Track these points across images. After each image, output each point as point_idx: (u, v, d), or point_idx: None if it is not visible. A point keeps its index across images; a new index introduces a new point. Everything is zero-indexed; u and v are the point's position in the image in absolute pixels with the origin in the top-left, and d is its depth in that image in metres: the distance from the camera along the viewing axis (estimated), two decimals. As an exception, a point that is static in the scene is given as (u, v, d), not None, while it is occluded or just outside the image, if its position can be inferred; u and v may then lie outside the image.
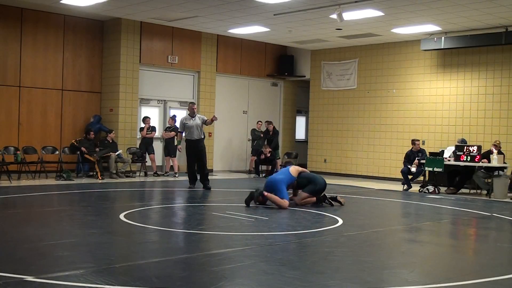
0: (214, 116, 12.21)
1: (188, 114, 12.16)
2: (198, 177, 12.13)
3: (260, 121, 16.75)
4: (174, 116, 15.10)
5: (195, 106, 12.32)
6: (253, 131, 16.61)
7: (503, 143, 13.09)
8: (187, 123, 11.94)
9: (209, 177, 15.05)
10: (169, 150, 14.80)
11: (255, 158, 16.12)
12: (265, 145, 15.84)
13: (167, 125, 15.21)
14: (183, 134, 12.30)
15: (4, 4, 13.39)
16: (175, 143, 13.68)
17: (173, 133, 14.60)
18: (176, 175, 14.68)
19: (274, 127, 16.50)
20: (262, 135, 16.43)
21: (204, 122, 12.01)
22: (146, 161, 14.85)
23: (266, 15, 13.10)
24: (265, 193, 9.22)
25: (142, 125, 14.92)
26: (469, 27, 13.57)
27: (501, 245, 7.14)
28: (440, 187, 12.84)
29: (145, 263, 5.24)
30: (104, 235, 6.70)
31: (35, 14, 13.95)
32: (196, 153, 11.91)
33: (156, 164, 15.11)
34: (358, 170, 16.69)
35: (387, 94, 16.08)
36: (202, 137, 12.02)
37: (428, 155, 13.25)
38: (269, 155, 15.51)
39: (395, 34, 14.73)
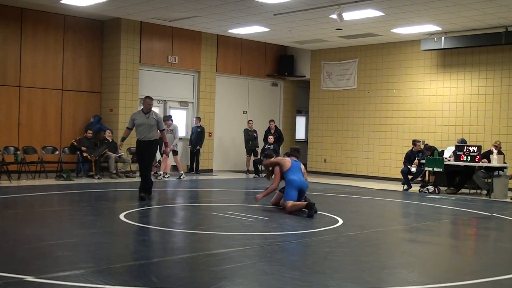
0: (166, 149, 10.65)
1: (141, 110, 9.92)
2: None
3: (251, 120, 16.62)
4: (170, 116, 15.08)
5: (152, 102, 9.99)
6: (246, 131, 16.47)
7: (503, 143, 13.08)
8: (136, 119, 9.79)
9: (210, 177, 15.15)
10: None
11: (252, 158, 16.13)
12: (272, 136, 15.66)
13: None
14: (139, 134, 9.86)
15: (4, 4, 13.38)
16: (120, 141, 10.71)
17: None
18: (167, 175, 14.46)
19: (276, 126, 16.46)
20: (255, 135, 16.35)
21: (158, 127, 9.88)
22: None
23: (266, 15, 13.10)
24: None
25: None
26: (469, 27, 13.57)
27: (501, 245, 7.14)
28: (440, 187, 12.84)
29: (145, 263, 5.24)
30: (104, 235, 6.70)
31: (35, 14, 13.95)
32: (143, 155, 9.85)
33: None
34: (358, 170, 16.69)
35: (387, 94, 16.08)
36: (157, 138, 9.97)
37: (428, 155, 13.24)
38: (270, 145, 15.30)
39: (395, 34, 14.73)
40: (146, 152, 9.78)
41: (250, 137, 16.30)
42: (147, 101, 9.83)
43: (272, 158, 9.20)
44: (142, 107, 9.94)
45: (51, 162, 13.53)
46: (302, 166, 9.04)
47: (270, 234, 6.93)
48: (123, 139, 10.15)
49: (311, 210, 8.28)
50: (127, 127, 10.07)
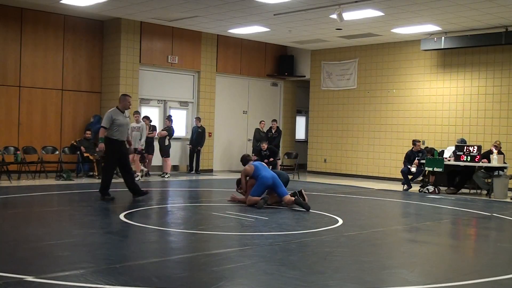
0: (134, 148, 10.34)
1: (117, 107, 9.55)
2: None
3: (263, 121, 16.62)
4: (170, 116, 15.06)
5: (131, 100, 9.83)
6: (257, 131, 16.45)
7: (503, 143, 13.09)
8: (117, 119, 9.37)
9: (210, 177, 15.15)
10: (162, 150, 14.71)
11: (257, 158, 16.06)
12: (264, 142, 15.42)
13: (164, 125, 15.17)
14: (117, 133, 9.46)
15: (4, 4, 13.38)
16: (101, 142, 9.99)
17: (164, 132, 14.57)
18: (167, 175, 14.45)
19: (278, 127, 16.45)
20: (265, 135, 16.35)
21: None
22: (147, 161, 14.79)
23: (266, 15, 13.10)
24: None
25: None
26: (469, 27, 13.57)
27: (501, 245, 7.14)
28: (440, 187, 12.84)
29: (145, 263, 5.24)
30: (104, 235, 6.70)
31: (35, 14, 13.95)
32: (123, 156, 9.66)
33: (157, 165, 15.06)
34: (358, 170, 16.68)
35: (387, 94, 16.08)
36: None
37: (428, 155, 13.24)
38: (266, 151, 15.15)
39: (395, 34, 14.73)
40: (125, 153, 9.77)
41: (260, 137, 16.26)
42: (127, 99, 9.56)
43: (242, 176, 9.75)
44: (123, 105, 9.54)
45: (51, 162, 13.54)
46: (263, 163, 9.87)
47: (270, 234, 6.93)
48: (102, 140, 9.43)
49: (301, 205, 8.92)
50: (104, 127, 9.37)
